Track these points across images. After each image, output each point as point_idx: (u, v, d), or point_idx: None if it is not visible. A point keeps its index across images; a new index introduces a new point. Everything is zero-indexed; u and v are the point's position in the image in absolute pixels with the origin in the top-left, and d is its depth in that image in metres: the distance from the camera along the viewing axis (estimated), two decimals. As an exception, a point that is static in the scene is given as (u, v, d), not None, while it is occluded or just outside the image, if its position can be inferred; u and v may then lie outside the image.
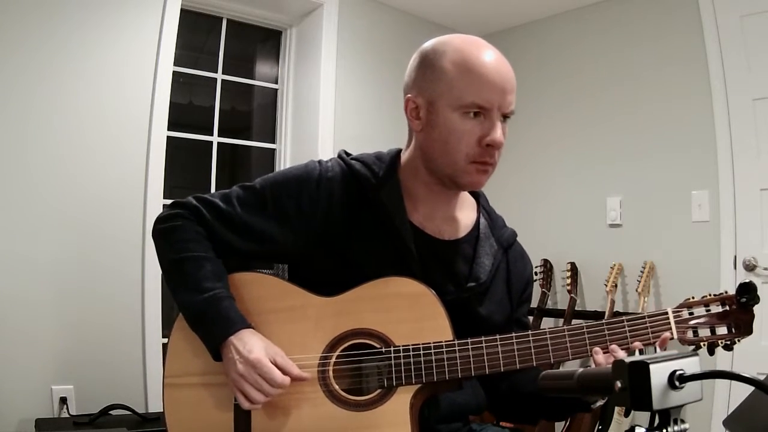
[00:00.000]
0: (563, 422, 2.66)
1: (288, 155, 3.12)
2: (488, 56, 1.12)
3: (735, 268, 2.60)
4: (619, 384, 0.69)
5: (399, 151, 1.26)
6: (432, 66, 1.14)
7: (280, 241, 1.17)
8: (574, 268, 3.04)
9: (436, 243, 1.20)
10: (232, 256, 1.21)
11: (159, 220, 1.21)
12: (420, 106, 1.15)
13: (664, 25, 2.88)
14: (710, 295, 1.12)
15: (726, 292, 1.11)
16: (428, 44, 1.18)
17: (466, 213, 1.27)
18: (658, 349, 0.73)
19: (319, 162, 1.22)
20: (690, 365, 0.69)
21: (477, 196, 1.32)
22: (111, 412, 2.11)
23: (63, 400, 2.22)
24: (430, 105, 1.14)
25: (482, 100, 1.10)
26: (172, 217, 1.19)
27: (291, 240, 1.17)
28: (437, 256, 1.19)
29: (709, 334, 1.10)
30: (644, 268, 2.78)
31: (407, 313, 1.11)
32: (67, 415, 2.19)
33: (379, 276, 1.13)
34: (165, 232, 1.19)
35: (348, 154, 1.25)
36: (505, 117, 1.14)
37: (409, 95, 1.17)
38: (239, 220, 1.17)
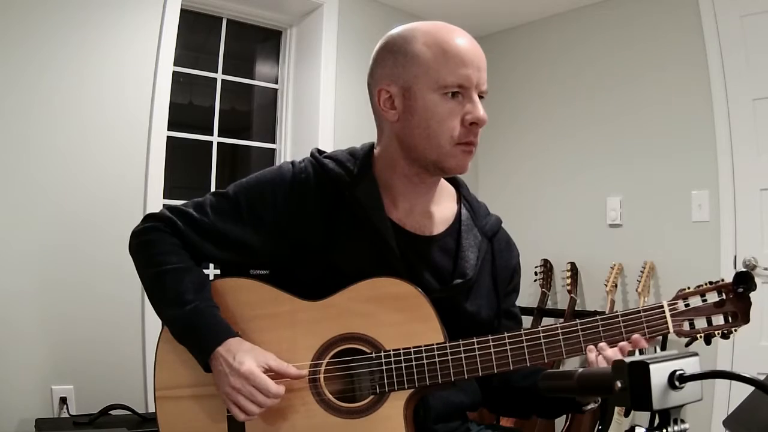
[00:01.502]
0: (563, 422, 2.66)
1: (288, 155, 3.12)
2: (459, 35, 1.11)
3: (735, 268, 2.60)
4: (619, 384, 0.69)
5: (372, 145, 1.23)
6: (403, 52, 1.11)
7: (257, 247, 1.15)
8: (574, 268, 3.04)
9: (418, 239, 1.18)
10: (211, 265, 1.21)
11: (134, 235, 1.20)
12: (394, 95, 1.12)
13: (664, 25, 2.88)
14: (706, 283, 1.10)
15: (722, 280, 1.09)
16: (392, 33, 1.16)
17: (446, 205, 1.24)
18: (657, 349, 0.73)
19: (293, 163, 1.20)
20: (690, 365, 0.69)
21: (457, 185, 1.29)
22: (111, 412, 2.11)
23: (63, 400, 2.22)
24: (405, 91, 1.11)
25: (462, 79, 1.08)
26: (146, 230, 1.18)
27: (268, 245, 1.15)
28: (420, 253, 1.17)
29: (706, 324, 1.08)
30: (644, 268, 2.78)
31: (396, 315, 1.09)
32: (67, 415, 2.18)
33: (362, 277, 1.11)
34: (141, 247, 1.18)
35: (321, 152, 1.23)
36: (480, 96, 1.12)
37: (379, 86, 1.14)
38: (214, 229, 1.15)
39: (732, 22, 2.64)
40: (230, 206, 1.17)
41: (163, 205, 1.21)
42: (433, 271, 1.17)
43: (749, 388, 0.76)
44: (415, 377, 1.07)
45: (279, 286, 1.15)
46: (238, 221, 1.15)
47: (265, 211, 1.15)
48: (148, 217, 1.20)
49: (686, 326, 1.08)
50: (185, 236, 1.16)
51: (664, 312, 1.08)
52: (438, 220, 1.21)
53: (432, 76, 1.08)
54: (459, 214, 1.23)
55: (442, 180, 1.25)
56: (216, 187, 2.89)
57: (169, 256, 1.14)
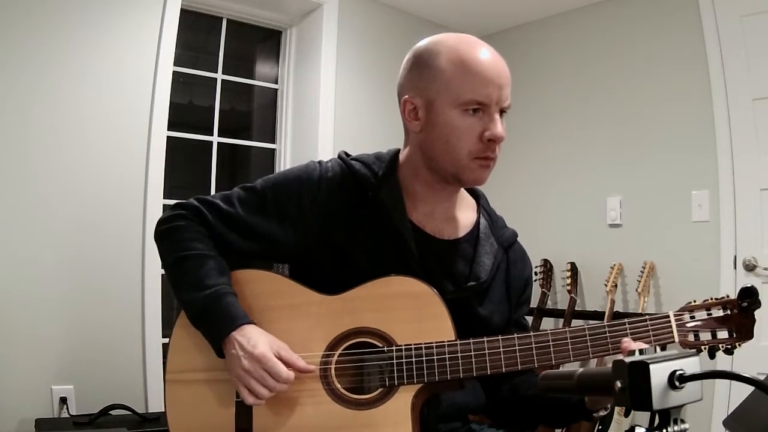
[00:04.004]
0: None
1: (288, 155, 3.12)
2: (483, 52, 1.14)
3: (735, 268, 2.60)
4: (619, 384, 0.69)
5: (398, 151, 1.26)
6: (428, 66, 1.14)
7: (281, 241, 1.18)
8: (574, 268, 3.04)
9: (436, 242, 1.21)
10: (233, 256, 1.22)
11: (161, 222, 1.22)
12: (418, 107, 1.16)
13: (664, 25, 2.88)
14: (712, 299, 1.12)
15: (728, 296, 1.11)
16: (421, 45, 1.19)
17: (465, 213, 1.28)
18: (658, 349, 0.73)
19: (320, 162, 1.23)
20: (690, 365, 0.69)
21: (477, 196, 1.33)
22: (111, 412, 2.11)
23: (63, 400, 2.22)
24: (428, 105, 1.14)
25: (481, 96, 1.11)
26: (173, 217, 1.20)
27: (291, 240, 1.18)
28: (437, 256, 1.20)
29: (710, 337, 1.10)
30: (644, 268, 2.78)
31: (409, 312, 1.12)
32: (67, 415, 2.19)
33: (379, 275, 1.13)
34: (167, 233, 1.20)
35: (348, 155, 1.26)
36: (502, 111, 1.15)
37: (405, 96, 1.17)
38: (240, 221, 1.18)
39: (732, 22, 2.64)
40: (257, 199, 1.20)
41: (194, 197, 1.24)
42: (449, 274, 1.20)
43: (749, 388, 0.76)
44: (425, 372, 1.09)
45: (298, 281, 1.17)
46: (264, 214, 1.18)
47: (290, 207, 1.18)
48: (176, 206, 1.23)
49: (691, 337, 1.10)
50: (211, 226, 1.18)
51: (670, 322, 1.10)
52: (457, 226, 1.25)
53: (453, 92, 1.11)
54: (477, 222, 1.27)
55: (463, 189, 1.28)
56: (216, 188, 2.90)
57: (193, 243, 1.16)
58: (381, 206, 1.18)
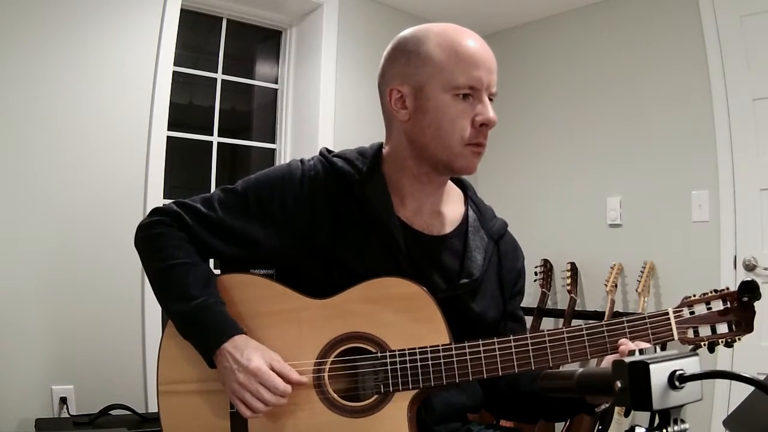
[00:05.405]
0: (564, 422, 2.65)
1: (288, 155, 3.12)
2: (471, 38, 1.12)
3: (735, 268, 2.60)
4: (619, 384, 0.69)
5: (381, 145, 1.23)
6: (416, 53, 1.11)
7: (265, 243, 1.15)
8: (574, 268, 3.04)
9: (425, 238, 1.18)
10: (220, 261, 1.20)
11: (140, 228, 1.19)
12: (405, 95, 1.12)
13: (664, 25, 2.88)
14: (711, 291, 1.10)
15: (727, 289, 1.10)
16: (405, 34, 1.16)
17: (453, 206, 1.24)
18: (658, 349, 0.73)
19: (302, 161, 1.20)
20: (690, 365, 0.69)
21: (465, 187, 1.30)
22: (111, 412, 2.11)
23: (63, 400, 2.22)
24: (417, 91, 1.11)
25: (474, 80, 1.09)
26: (153, 224, 1.17)
27: (276, 242, 1.15)
28: (427, 252, 1.17)
29: (710, 332, 1.08)
30: (644, 268, 2.78)
31: (402, 315, 1.09)
32: (67, 415, 2.19)
33: (369, 274, 1.11)
34: (147, 240, 1.17)
35: (330, 152, 1.23)
36: (490, 98, 1.12)
37: (391, 86, 1.14)
38: (221, 224, 1.15)
39: (732, 22, 2.64)
40: (239, 202, 1.17)
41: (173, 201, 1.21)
42: (440, 270, 1.17)
43: (749, 388, 0.76)
44: (420, 378, 1.06)
45: (285, 284, 1.15)
46: (246, 217, 1.15)
47: (273, 207, 1.15)
48: (155, 211, 1.20)
49: (690, 333, 1.09)
50: (192, 231, 1.15)
51: (669, 319, 1.09)
52: (446, 221, 1.21)
53: (444, 76, 1.09)
54: (466, 215, 1.24)
55: (450, 182, 1.25)
56: (216, 188, 2.89)
57: (175, 251, 1.13)
58: (367, 203, 1.15)
